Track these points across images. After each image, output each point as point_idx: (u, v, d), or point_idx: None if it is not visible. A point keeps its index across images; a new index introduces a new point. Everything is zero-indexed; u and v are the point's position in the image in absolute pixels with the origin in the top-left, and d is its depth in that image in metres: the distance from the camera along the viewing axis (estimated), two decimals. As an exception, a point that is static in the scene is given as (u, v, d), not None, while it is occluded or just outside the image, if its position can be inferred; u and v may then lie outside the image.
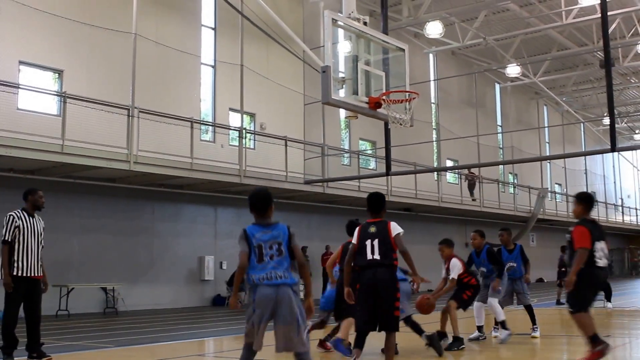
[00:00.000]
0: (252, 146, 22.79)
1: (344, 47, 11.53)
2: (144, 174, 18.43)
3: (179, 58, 21.71)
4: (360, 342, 7.13)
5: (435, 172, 29.91)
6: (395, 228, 7.15)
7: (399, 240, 7.11)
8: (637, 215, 53.70)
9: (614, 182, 52.97)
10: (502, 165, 38.11)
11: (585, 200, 7.80)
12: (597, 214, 45.09)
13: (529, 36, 32.14)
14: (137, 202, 20.43)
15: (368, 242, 7.10)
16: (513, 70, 34.65)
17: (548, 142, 43.77)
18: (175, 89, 21.57)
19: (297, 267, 5.68)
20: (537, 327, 10.89)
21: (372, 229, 7.19)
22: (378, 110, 11.07)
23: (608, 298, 18.03)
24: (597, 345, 7.20)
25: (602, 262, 7.44)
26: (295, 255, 5.65)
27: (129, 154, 17.42)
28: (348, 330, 8.44)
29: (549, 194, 40.49)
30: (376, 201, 7.43)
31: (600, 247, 7.47)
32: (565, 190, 43.53)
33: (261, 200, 5.77)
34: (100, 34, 19.41)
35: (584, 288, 7.39)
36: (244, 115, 22.25)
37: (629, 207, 53.05)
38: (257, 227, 5.67)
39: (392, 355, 7.22)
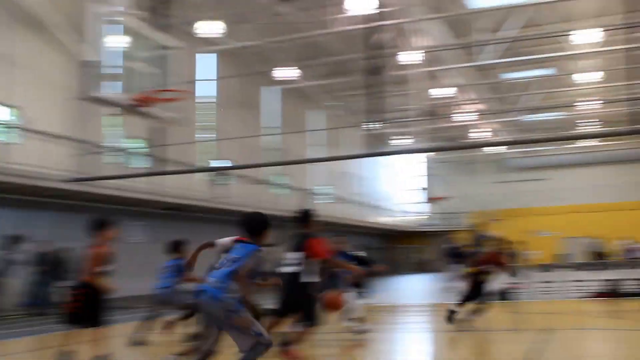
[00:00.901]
0: (15, 142, 21.45)
1: (116, 42, 11.14)
2: None
3: None
4: None
5: (208, 173, 29.89)
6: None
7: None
8: (399, 216, 56.91)
9: (379, 185, 55.76)
10: (275, 167, 38.73)
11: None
12: (361, 215, 47.33)
13: (304, 41, 32.91)
14: None
15: None
16: (287, 73, 35.36)
17: (319, 145, 45.16)
18: None
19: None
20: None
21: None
22: (148, 108, 10.84)
23: (363, 294, 18.90)
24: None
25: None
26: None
27: None
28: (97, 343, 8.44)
29: (318, 195, 41.90)
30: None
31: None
32: (335, 192, 45.26)
33: (244, 224, 6.69)
34: None
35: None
36: (8, 109, 20.96)
37: (390, 210, 56.07)
38: (239, 242, 6.51)
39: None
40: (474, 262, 12.83)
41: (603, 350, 10.72)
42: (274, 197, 36.95)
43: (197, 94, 31.87)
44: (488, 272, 12.53)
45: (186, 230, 28.58)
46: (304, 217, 9.19)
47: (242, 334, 6.14)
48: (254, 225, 6.69)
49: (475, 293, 12.50)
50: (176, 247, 11.60)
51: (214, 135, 33.79)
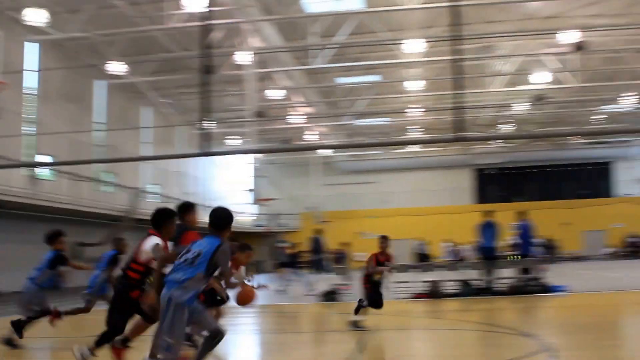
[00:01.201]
0: None
1: None
2: None
3: None
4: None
5: (29, 168, 28.56)
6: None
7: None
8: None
9: (211, 184, 55.44)
10: (104, 164, 37.60)
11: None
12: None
13: (135, 35, 32.04)
14: None
15: None
16: (116, 68, 34.27)
17: (149, 143, 44.26)
18: None
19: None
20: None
21: None
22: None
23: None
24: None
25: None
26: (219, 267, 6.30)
27: None
28: None
29: (148, 194, 41.06)
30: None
31: None
32: (166, 191, 44.53)
33: (209, 218, 6.62)
34: None
35: None
36: None
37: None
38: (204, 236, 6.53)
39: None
40: (366, 263, 12.93)
41: (421, 350, 11.12)
42: (101, 194, 35.81)
43: (24, 85, 30.38)
44: (380, 272, 12.72)
45: (6, 228, 27.25)
46: (183, 209, 9.05)
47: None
48: (220, 220, 6.53)
49: (375, 294, 12.65)
50: (52, 238, 11.10)
51: (35, 129, 32.24)
